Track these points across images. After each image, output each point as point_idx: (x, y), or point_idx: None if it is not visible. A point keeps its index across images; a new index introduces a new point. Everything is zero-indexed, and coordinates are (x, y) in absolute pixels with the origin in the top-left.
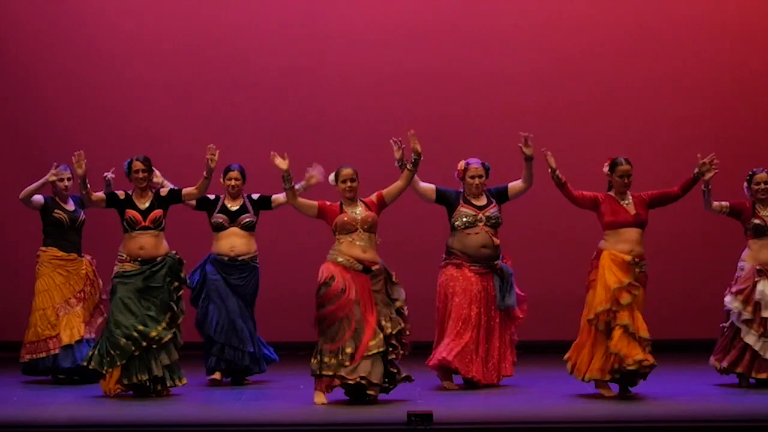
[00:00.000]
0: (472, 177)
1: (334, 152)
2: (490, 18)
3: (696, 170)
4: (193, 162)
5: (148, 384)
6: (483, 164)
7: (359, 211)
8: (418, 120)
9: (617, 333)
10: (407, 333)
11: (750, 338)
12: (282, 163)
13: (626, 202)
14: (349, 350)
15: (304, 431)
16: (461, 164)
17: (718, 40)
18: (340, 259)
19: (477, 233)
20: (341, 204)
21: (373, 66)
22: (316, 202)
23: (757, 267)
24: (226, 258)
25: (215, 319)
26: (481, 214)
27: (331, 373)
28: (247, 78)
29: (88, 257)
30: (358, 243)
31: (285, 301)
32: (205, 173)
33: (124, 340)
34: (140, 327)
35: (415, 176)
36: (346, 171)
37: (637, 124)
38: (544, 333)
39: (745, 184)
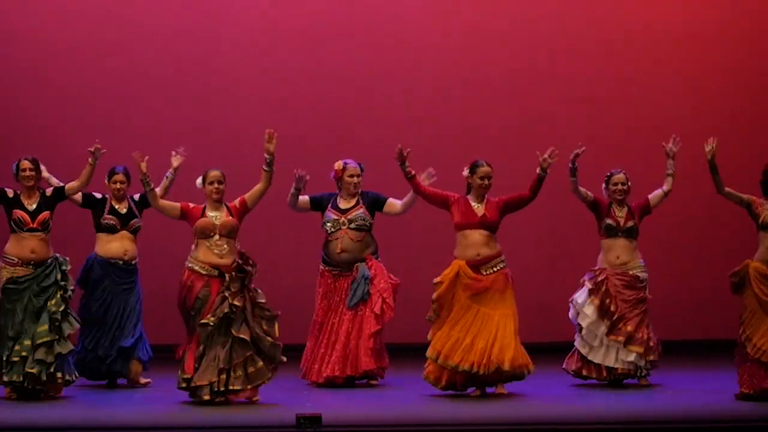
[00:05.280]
0: (351, 176)
1: (231, 152)
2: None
3: (539, 170)
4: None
5: (27, 384)
6: (359, 165)
7: (219, 216)
8: (321, 119)
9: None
10: (270, 336)
11: (579, 341)
12: (143, 166)
13: (478, 204)
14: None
15: None
16: (338, 164)
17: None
18: (195, 267)
19: (337, 238)
20: (204, 207)
21: (273, 65)
22: (178, 204)
23: (601, 268)
24: (120, 262)
25: (89, 325)
26: (343, 218)
27: (203, 383)
28: (145, 78)
29: None
30: (215, 250)
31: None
32: (90, 159)
33: (17, 347)
34: (27, 341)
35: (298, 197)
36: (214, 173)
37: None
38: None
39: (603, 185)
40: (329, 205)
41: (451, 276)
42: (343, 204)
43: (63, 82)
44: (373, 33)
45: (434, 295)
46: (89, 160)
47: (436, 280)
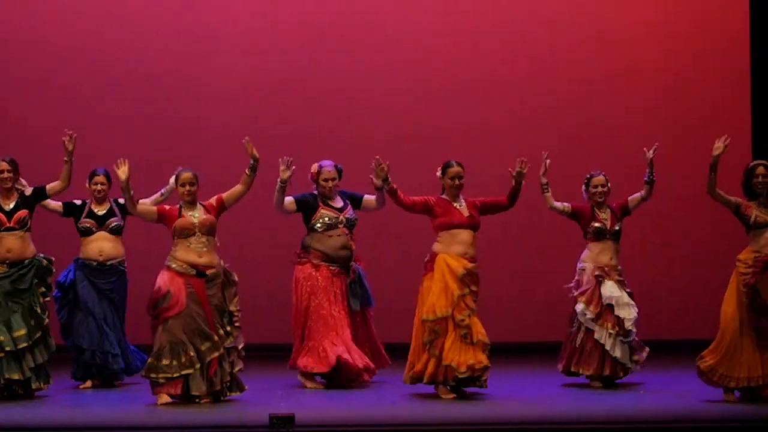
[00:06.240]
0: (326, 180)
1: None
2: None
3: (513, 182)
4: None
5: (14, 387)
6: (336, 166)
7: (197, 215)
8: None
9: (448, 342)
10: (237, 344)
11: (600, 335)
12: (123, 173)
13: (459, 204)
14: (191, 353)
15: None
16: (314, 167)
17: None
18: (173, 266)
19: (338, 235)
20: (180, 207)
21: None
22: (155, 208)
23: (596, 271)
24: (94, 263)
25: (84, 326)
26: (341, 216)
27: (173, 375)
28: (145, 78)
29: None
30: (194, 247)
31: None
32: (65, 157)
33: None
34: (2, 338)
35: (283, 198)
36: (186, 175)
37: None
38: None
39: (583, 187)
40: (320, 203)
41: (446, 269)
42: (333, 203)
43: (63, 82)
44: (373, 33)
45: (433, 323)
46: (64, 157)
47: (429, 279)
